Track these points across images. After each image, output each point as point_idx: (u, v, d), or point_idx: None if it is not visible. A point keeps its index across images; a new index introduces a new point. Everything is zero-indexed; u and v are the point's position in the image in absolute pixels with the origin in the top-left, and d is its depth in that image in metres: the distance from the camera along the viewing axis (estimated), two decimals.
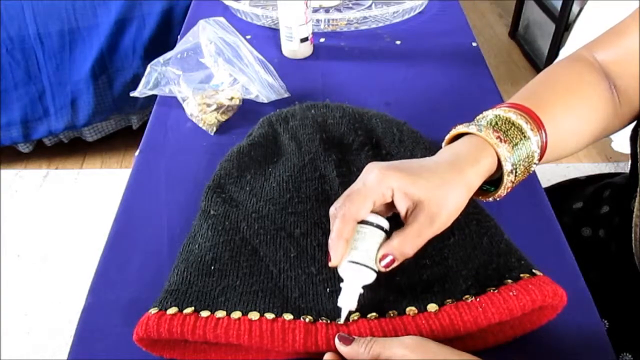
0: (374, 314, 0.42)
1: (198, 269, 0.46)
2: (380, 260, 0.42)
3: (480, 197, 0.49)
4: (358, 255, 0.42)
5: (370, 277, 0.43)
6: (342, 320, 0.42)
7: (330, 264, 0.43)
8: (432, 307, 0.42)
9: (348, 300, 0.42)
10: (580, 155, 1.70)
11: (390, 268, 0.42)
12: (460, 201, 0.44)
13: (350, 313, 0.42)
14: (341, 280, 0.43)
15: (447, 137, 0.49)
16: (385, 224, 0.43)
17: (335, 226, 0.42)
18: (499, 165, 0.45)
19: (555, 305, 0.43)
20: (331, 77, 0.80)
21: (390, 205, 0.44)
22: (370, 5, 0.95)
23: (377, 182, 0.43)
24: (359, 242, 0.43)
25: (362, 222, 0.43)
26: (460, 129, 0.47)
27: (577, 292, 0.48)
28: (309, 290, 0.45)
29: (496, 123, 0.46)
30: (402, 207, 0.43)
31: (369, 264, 0.42)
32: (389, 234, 0.43)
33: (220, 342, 0.41)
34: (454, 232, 0.46)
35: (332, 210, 0.44)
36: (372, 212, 0.44)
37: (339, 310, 0.43)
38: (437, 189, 0.42)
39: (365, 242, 0.43)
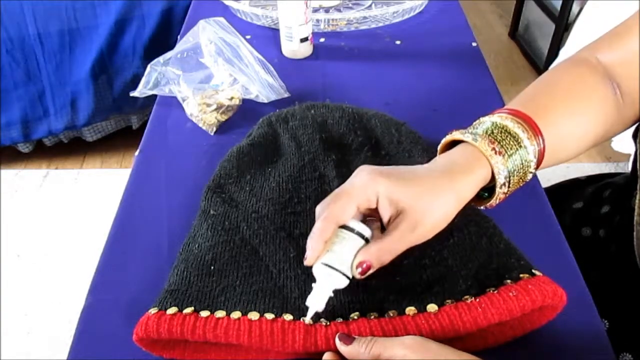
0: (374, 313, 0.42)
1: (198, 269, 0.46)
2: (357, 267, 0.42)
3: (472, 204, 0.49)
4: (333, 258, 0.42)
5: (342, 283, 0.42)
6: (307, 319, 0.42)
7: (305, 263, 0.43)
8: (431, 307, 0.41)
9: (316, 301, 0.42)
10: (580, 155, 1.70)
11: (366, 275, 0.42)
12: (448, 211, 0.43)
13: (317, 315, 0.42)
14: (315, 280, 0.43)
15: (442, 142, 0.49)
16: (367, 232, 0.43)
17: (316, 226, 0.42)
18: (494, 175, 0.45)
19: (555, 305, 0.43)
20: (331, 77, 0.80)
21: (376, 210, 0.44)
22: (370, 5, 0.95)
23: (364, 186, 0.43)
24: (337, 246, 0.42)
25: (345, 227, 0.43)
26: (456, 135, 0.47)
27: (577, 292, 0.48)
28: (309, 291, 0.45)
29: (492, 132, 0.45)
30: (385, 214, 0.43)
31: (343, 269, 0.42)
32: (369, 242, 0.43)
33: (220, 342, 0.41)
34: (453, 234, 0.46)
35: (317, 208, 0.44)
36: (361, 214, 0.44)
37: (338, 310, 0.43)
38: (424, 196, 0.42)
39: (343, 247, 0.42)
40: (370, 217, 0.45)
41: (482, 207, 0.48)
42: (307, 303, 0.42)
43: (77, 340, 0.47)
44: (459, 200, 0.44)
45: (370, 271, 0.42)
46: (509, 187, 0.45)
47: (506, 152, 0.44)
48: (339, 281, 0.42)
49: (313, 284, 0.43)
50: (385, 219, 0.43)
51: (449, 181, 0.43)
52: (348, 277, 0.42)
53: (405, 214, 0.42)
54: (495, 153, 0.44)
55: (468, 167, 0.44)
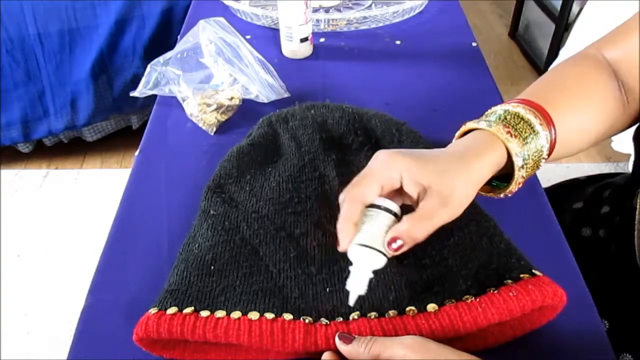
0: (374, 313, 0.42)
1: (198, 269, 0.46)
2: (390, 243, 0.41)
3: (490, 194, 0.49)
4: (365, 237, 0.42)
5: (380, 261, 0.42)
6: (351, 303, 0.42)
7: (339, 249, 0.43)
8: (431, 307, 0.42)
9: (357, 284, 0.42)
10: (580, 155, 1.70)
11: (399, 252, 0.42)
12: (468, 191, 0.43)
13: (359, 300, 0.42)
14: (343, 274, 0.43)
15: (457, 133, 0.49)
16: (395, 207, 0.43)
17: (342, 210, 0.42)
18: (507, 161, 0.45)
19: (555, 306, 0.43)
20: (331, 77, 0.80)
21: (400, 192, 0.44)
22: (370, 5, 0.95)
23: (384, 166, 0.43)
24: (367, 225, 0.42)
25: (372, 206, 0.43)
26: (470, 125, 0.48)
27: (577, 292, 0.48)
28: (309, 290, 0.45)
29: (505, 118, 0.46)
30: (413, 192, 0.43)
31: (377, 246, 0.42)
32: (399, 218, 0.43)
33: (220, 342, 0.41)
34: (454, 233, 0.46)
35: (341, 196, 0.44)
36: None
37: (338, 309, 0.43)
38: (444, 175, 0.42)
39: (374, 225, 0.42)
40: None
41: (501, 196, 0.48)
42: (348, 287, 0.42)
43: (77, 340, 0.47)
44: (476, 182, 0.44)
45: (404, 249, 0.42)
46: (526, 170, 0.46)
47: (521, 135, 0.45)
48: (376, 261, 0.42)
49: (350, 267, 0.42)
50: (414, 196, 0.43)
51: (463, 163, 0.44)
52: (384, 255, 0.42)
53: (432, 190, 0.42)
54: (511, 136, 0.44)
55: (482, 151, 0.45)
